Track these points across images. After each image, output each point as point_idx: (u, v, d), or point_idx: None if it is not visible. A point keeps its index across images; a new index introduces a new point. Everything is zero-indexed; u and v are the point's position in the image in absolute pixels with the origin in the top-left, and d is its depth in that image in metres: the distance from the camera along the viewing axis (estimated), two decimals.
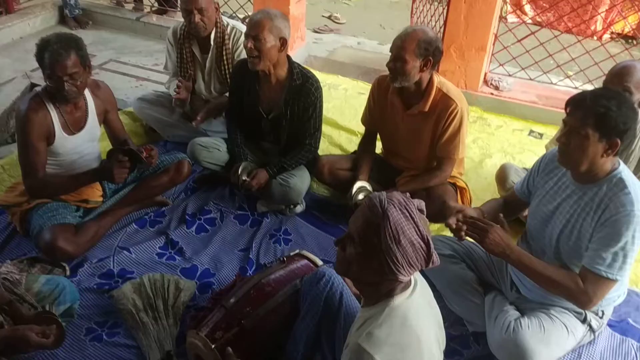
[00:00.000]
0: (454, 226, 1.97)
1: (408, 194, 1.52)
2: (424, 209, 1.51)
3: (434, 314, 1.63)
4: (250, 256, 2.62)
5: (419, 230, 1.43)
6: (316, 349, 1.90)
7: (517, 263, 1.96)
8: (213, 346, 1.86)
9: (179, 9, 5.12)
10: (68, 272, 2.45)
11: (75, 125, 2.53)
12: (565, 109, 1.87)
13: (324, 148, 3.38)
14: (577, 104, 1.83)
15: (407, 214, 1.42)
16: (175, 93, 3.07)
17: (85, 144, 2.60)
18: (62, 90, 2.34)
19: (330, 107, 3.81)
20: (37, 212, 2.53)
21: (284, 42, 2.66)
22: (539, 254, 2.08)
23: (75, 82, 2.35)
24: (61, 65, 2.28)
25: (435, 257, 1.46)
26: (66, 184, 2.52)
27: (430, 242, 1.45)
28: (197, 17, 2.94)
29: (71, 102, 2.46)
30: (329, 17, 6.43)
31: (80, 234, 2.54)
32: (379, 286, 1.48)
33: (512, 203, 2.33)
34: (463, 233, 1.96)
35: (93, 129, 2.61)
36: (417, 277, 1.57)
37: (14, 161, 3.02)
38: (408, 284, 1.52)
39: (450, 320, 2.29)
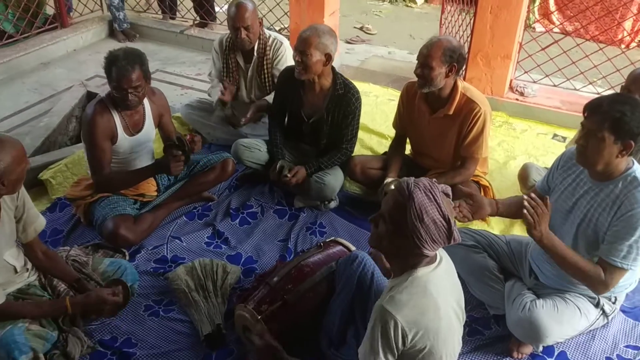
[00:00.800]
0: (461, 208, 2.20)
1: (434, 180, 1.73)
2: (450, 193, 1.72)
3: (455, 291, 1.83)
4: (289, 245, 2.87)
5: (441, 210, 1.64)
6: (350, 323, 2.13)
7: (549, 248, 2.07)
8: (259, 317, 2.11)
9: (219, 22, 5.48)
10: (127, 257, 2.74)
11: (134, 127, 2.83)
12: (583, 112, 2.02)
13: (356, 150, 3.56)
14: (594, 109, 1.98)
15: (431, 196, 1.64)
16: (220, 94, 3.33)
17: (142, 144, 2.90)
18: (126, 100, 2.64)
19: (362, 113, 3.97)
20: (99, 204, 2.83)
21: (329, 57, 2.91)
22: None
23: (138, 93, 2.65)
24: (127, 79, 2.58)
25: (457, 234, 1.67)
26: (128, 179, 2.83)
27: (452, 220, 1.65)
28: (244, 34, 3.23)
29: (132, 109, 2.77)
30: (361, 29, 6.69)
31: (138, 224, 2.83)
32: (406, 259, 1.70)
33: (545, 198, 2.50)
34: (528, 215, 2.00)
35: (149, 131, 2.92)
36: (442, 255, 1.79)
37: (75, 160, 3.35)
38: (433, 259, 1.74)
39: (473, 304, 2.50)
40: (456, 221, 2.87)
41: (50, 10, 5.48)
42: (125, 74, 2.57)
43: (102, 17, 5.72)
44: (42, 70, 4.88)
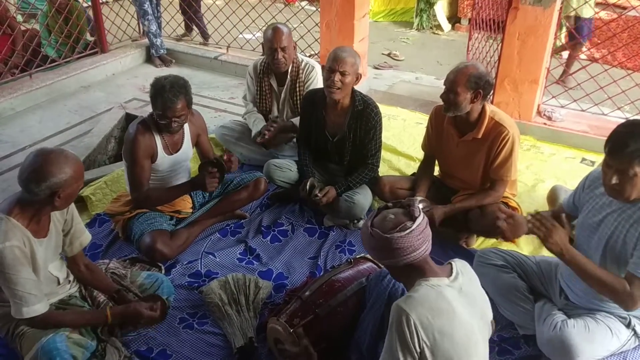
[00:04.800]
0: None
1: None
2: (409, 204, 1.84)
3: (477, 304, 1.86)
4: (319, 263, 2.93)
5: (370, 223, 1.80)
6: (380, 338, 2.15)
7: (571, 262, 2.12)
8: (291, 330, 2.17)
9: (214, 42, 5.94)
10: (163, 271, 2.84)
11: (173, 147, 2.95)
12: (606, 149, 2.03)
13: (384, 171, 3.67)
14: (620, 148, 1.97)
15: (368, 221, 1.81)
16: (262, 136, 3.46)
17: (180, 162, 3.02)
18: (169, 127, 2.78)
19: (390, 135, 4.13)
20: (137, 220, 2.94)
21: (359, 77, 3.06)
22: None
23: (181, 121, 2.78)
24: (172, 110, 2.71)
25: (405, 233, 1.73)
26: (165, 195, 2.94)
27: (376, 226, 1.78)
28: (280, 54, 3.37)
29: (174, 134, 2.89)
30: (389, 55, 6.81)
31: (174, 239, 2.93)
32: (403, 275, 1.83)
33: (559, 216, 2.54)
34: (535, 229, 2.12)
35: (187, 150, 3.04)
36: (460, 270, 1.84)
37: (114, 178, 3.49)
38: (447, 272, 1.81)
39: (502, 324, 2.51)
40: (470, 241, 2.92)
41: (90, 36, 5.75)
42: (171, 106, 2.70)
43: (139, 43, 5.95)
44: (83, 93, 5.09)
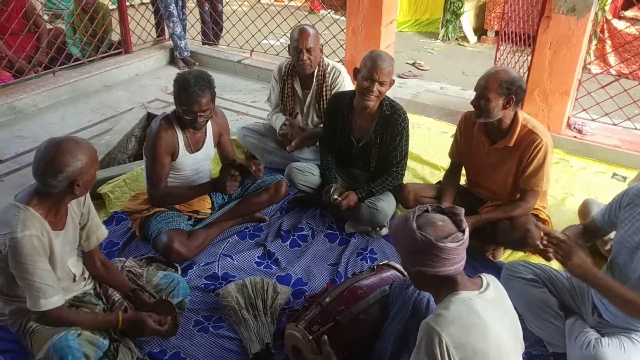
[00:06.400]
0: (541, 246, 2.11)
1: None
2: (454, 211, 1.74)
3: (507, 319, 1.76)
4: (339, 270, 2.84)
5: (409, 225, 1.66)
6: (404, 349, 2.06)
7: (596, 284, 2.05)
8: (310, 337, 2.08)
9: (225, 44, 5.89)
10: (179, 272, 2.77)
11: (195, 145, 2.89)
12: None
13: (408, 179, 3.56)
14: None
15: (403, 219, 1.71)
16: (282, 129, 3.45)
17: (201, 162, 2.96)
18: (194, 123, 2.71)
19: (414, 144, 4.02)
20: (155, 218, 2.88)
21: (392, 82, 2.98)
22: (622, 281, 2.16)
23: (206, 116, 2.72)
24: (198, 105, 2.65)
25: (451, 244, 1.62)
26: (184, 194, 2.88)
27: (416, 230, 1.65)
28: (306, 56, 3.30)
29: (198, 130, 2.83)
30: (413, 64, 6.73)
31: (192, 240, 2.87)
32: (432, 286, 1.73)
33: (591, 230, 2.43)
34: (550, 254, 2.09)
35: (209, 149, 2.98)
36: (490, 282, 1.75)
37: (133, 176, 3.44)
38: (478, 284, 1.71)
39: (531, 340, 2.39)
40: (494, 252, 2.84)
41: (114, 36, 5.76)
42: (197, 99, 2.64)
43: (163, 45, 5.96)
44: (105, 93, 5.09)
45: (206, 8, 6.02)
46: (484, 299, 1.67)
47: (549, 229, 2.23)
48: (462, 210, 1.72)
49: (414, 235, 1.64)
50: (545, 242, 2.10)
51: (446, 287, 1.68)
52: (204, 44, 6.15)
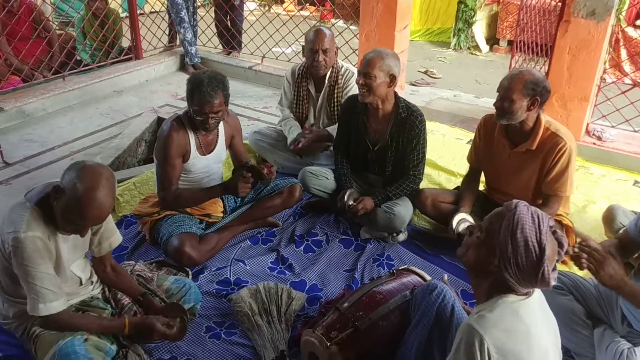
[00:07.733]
0: (571, 252, 2.01)
1: None
2: (563, 243, 1.56)
3: (550, 327, 1.67)
4: (355, 276, 2.74)
5: (539, 235, 1.50)
6: (427, 357, 1.96)
7: (629, 296, 1.96)
8: (328, 344, 1.98)
9: (248, 52, 5.84)
10: (190, 277, 2.67)
11: (207, 147, 2.82)
12: None
13: (424, 185, 3.46)
14: None
15: (535, 219, 1.51)
16: (297, 141, 3.39)
17: (212, 164, 2.88)
18: (206, 124, 2.63)
19: (429, 150, 3.89)
20: (166, 221, 2.80)
21: (393, 79, 2.85)
22: None
23: (218, 118, 2.64)
24: (210, 106, 2.57)
25: (549, 277, 1.50)
26: (195, 197, 2.79)
27: (546, 254, 1.48)
28: (321, 57, 3.24)
29: (210, 132, 2.76)
30: (425, 72, 6.67)
31: (203, 244, 2.78)
32: (486, 281, 1.58)
33: (626, 242, 2.32)
34: (584, 262, 1.98)
35: (220, 152, 2.90)
36: (535, 289, 1.63)
37: (143, 180, 3.38)
38: (523, 293, 1.59)
39: None
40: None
41: (125, 42, 5.73)
42: (209, 100, 2.56)
43: (174, 51, 5.92)
44: (115, 98, 5.05)
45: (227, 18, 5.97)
46: (529, 303, 1.57)
47: (586, 236, 2.12)
48: (566, 242, 1.60)
49: (539, 255, 1.49)
50: (576, 250, 1.99)
51: (498, 290, 1.56)
52: (227, 53, 6.08)
